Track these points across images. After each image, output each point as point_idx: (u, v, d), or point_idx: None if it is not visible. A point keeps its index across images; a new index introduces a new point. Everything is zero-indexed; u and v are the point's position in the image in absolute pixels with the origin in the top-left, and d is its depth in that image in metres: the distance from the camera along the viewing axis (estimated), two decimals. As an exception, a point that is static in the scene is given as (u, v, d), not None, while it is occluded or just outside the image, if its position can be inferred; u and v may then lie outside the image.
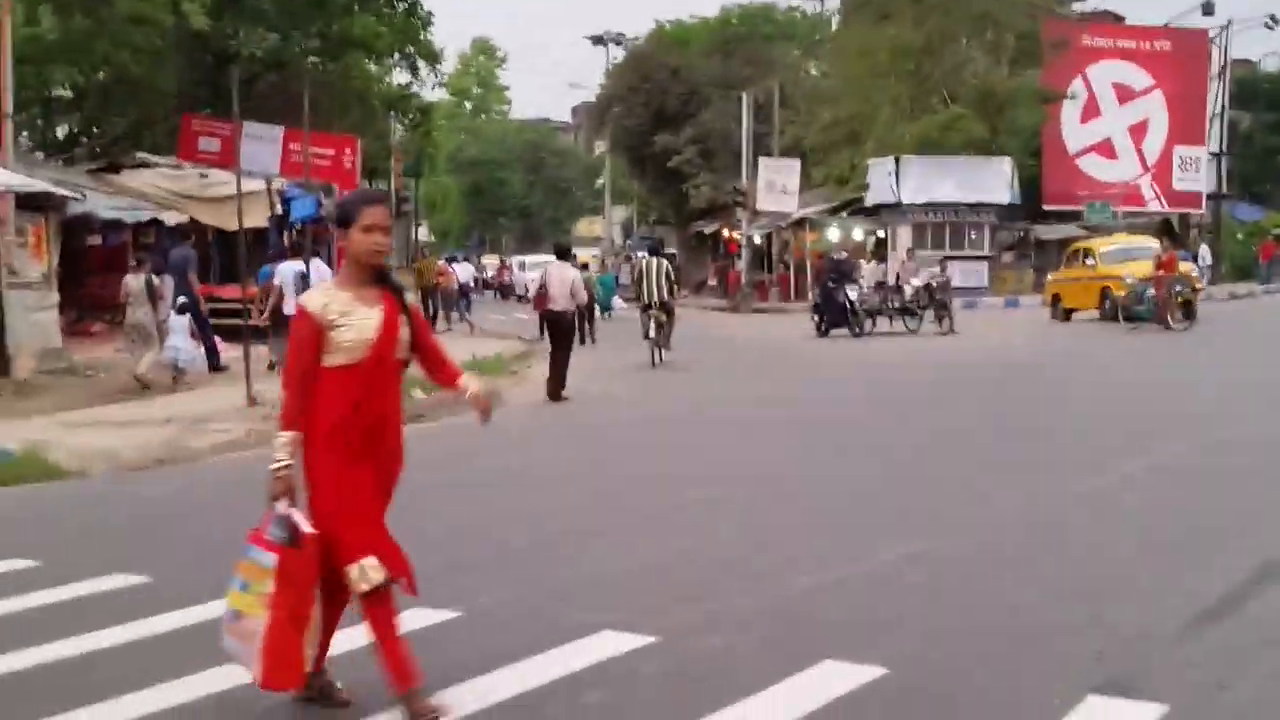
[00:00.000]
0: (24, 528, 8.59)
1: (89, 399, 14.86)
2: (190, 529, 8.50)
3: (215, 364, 17.96)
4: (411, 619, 5.83)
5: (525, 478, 10.41)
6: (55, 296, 17.95)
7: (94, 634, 5.77)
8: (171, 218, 23.00)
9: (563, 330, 15.95)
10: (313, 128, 28.57)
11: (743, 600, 6.18)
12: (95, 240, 22.70)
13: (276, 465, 4.58)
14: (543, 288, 16.25)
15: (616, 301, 35.96)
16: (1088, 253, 28.73)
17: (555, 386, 15.69)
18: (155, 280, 16.25)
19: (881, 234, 40.73)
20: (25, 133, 27.09)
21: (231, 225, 22.75)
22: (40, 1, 22.42)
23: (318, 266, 17.13)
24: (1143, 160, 43.40)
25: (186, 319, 17.23)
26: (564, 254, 17.06)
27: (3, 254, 16.95)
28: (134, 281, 16.16)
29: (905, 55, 41.48)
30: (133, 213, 22.19)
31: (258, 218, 22.71)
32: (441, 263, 32.05)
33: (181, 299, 17.13)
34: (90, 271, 22.62)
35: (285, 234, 23.75)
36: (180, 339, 16.88)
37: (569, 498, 9.35)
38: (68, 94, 28.87)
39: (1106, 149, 43.16)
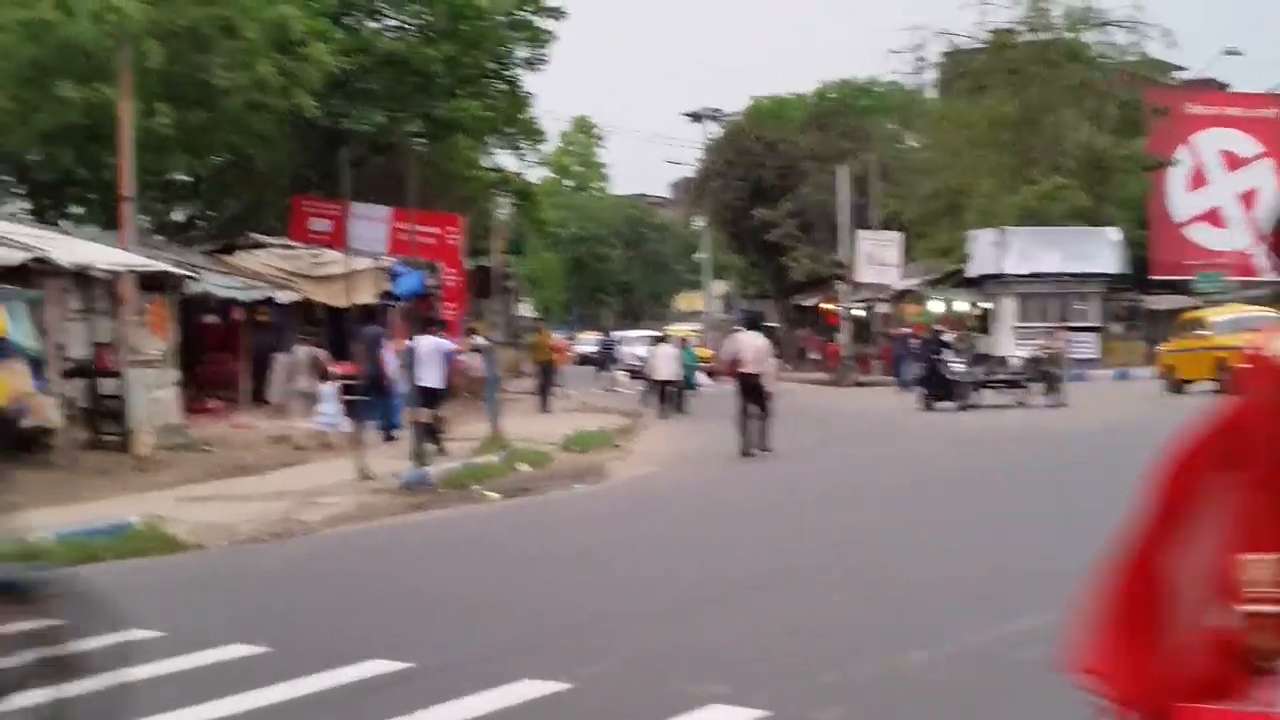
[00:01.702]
0: (147, 598, 8.80)
1: (206, 474, 15.25)
2: (305, 600, 8.67)
3: (390, 433, 18.22)
4: (522, 690, 5.90)
5: (633, 548, 10.44)
6: (175, 374, 18.51)
7: (217, 702, 5.91)
8: (284, 296, 23.64)
9: (757, 391, 17.32)
10: (418, 207, 29.32)
11: (857, 672, 6.13)
12: (212, 319, 23.41)
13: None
14: (735, 354, 17.88)
15: (699, 377, 35.78)
16: (1200, 323, 28.13)
17: (753, 441, 17.18)
18: (316, 353, 17.11)
19: (990, 305, 40.33)
20: (146, 216, 28.07)
21: (341, 302, 23.45)
22: (162, 96, 23.36)
23: (425, 340, 17.58)
24: (1255, 229, 42.54)
25: (335, 388, 17.86)
26: (754, 324, 19.41)
27: (125, 332, 17.57)
28: (300, 353, 16.99)
29: (1004, 126, 41.33)
30: (247, 292, 22.86)
31: (367, 294, 23.27)
32: (558, 337, 32.33)
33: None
34: (207, 349, 23.32)
35: (390, 310, 24.34)
36: (329, 406, 17.51)
37: (675, 566, 9.36)
38: (186, 179, 29.93)
39: (1215, 218, 42.40)
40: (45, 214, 27.48)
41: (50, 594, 5.65)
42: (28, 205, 28.50)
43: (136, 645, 7.10)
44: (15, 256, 15.16)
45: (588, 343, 52.73)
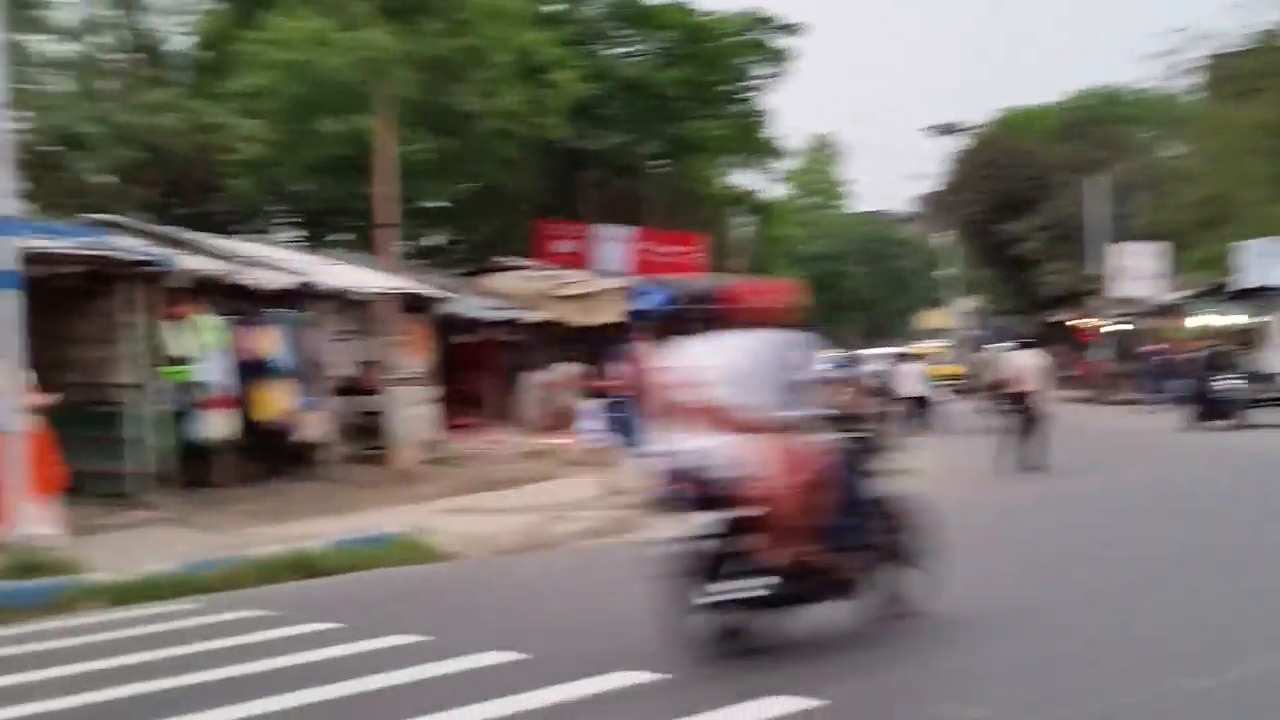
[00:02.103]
0: (411, 605, 9.15)
1: (463, 487, 15.76)
2: (560, 610, 8.81)
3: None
4: (779, 705, 5.80)
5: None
6: (433, 391, 19.24)
7: (479, 706, 6.03)
8: (532, 316, 24.28)
9: (1030, 409, 17.25)
10: (659, 226, 29.65)
11: (1129, 697, 5.78)
12: (465, 338, 24.23)
13: None
14: (1010, 373, 17.88)
15: (940, 394, 34.72)
16: None
17: (1029, 459, 17.02)
18: (577, 370, 17.68)
19: (1260, 320, 37.88)
20: (404, 241, 29.35)
21: (586, 321, 23.91)
22: (415, 125, 24.43)
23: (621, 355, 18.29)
24: None
25: (598, 404, 18.35)
26: (1029, 343, 19.50)
27: (387, 352, 18.38)
28: (565, 370, 17.53)
29: (1273, 131, 38.84)
30: (497, 312, 23.57)
31: (611, 313, 23.63)
32: None
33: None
34: (461, 368, 24.13)
35: (634, 328, 24.66)
36: (593, 422, 18.01)
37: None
38: (440, 205, 31.19)
39: None
40: (313, 241, 29.10)
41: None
42: (298, 233, 30.26)
43: (403, 649, 7.38)
44: (286, 281, 16.05)
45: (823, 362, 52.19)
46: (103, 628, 8.50)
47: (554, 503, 13.92)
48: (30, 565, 9.63)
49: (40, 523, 11.05)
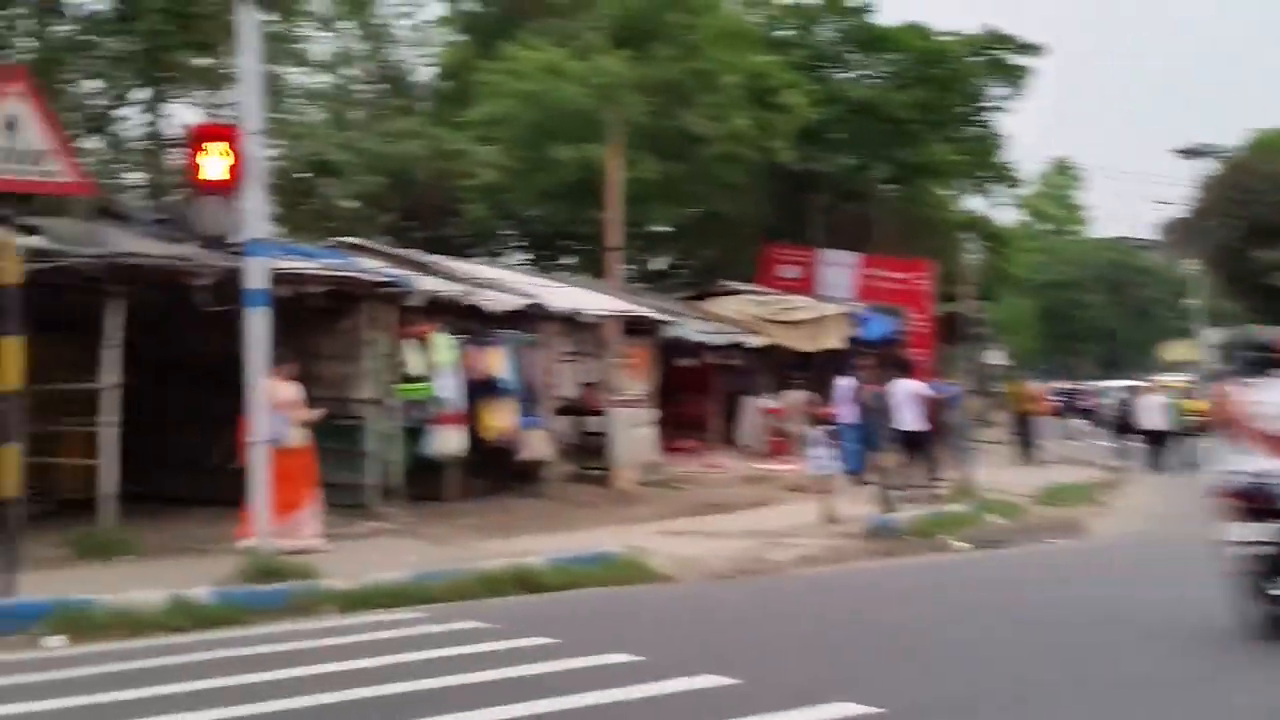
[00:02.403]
0: (627, 624, 9.22)
1: (680, 510, 15.81)
2: (775, 636, 8.72)
3: (860, 477, 18.46)
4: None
5: (1112, 608, 9.72)
6: (653, 413, 19.41)
7: (691, 729, 6.02)
8: (754, 341, 24.24)
9: None
10: (886, 252, 29.21)
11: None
12: (687, 362, 24.38)
13: None
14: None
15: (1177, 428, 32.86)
16: None
17: None
18: (806, 397, 17.72)
19: None
20: (629, 265, 29.82)
21: (809, 346, 23.72)
22: (642, 150, 24.81)
23: (844, 384, 18.43)
24: None
25: (826, 431, 18.21)
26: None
27: (610, 374, 18.66)
28: (793, 396, 17.58)
29: None
30: (719, 336, 23.63)
31: (834, 339, 23.38)
32: (1036, 387, 31.02)
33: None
34: (682, 391, 24.27)
35: (859, 355, 24.34)
36: (821, 450, 17.88)
37: (1159, 629, 8.61)
38: (665, 229, 31.54)
39: None
40: (541, 264, 29.85)
41: None
42: (527, 256, 31.10)
43: (618, 668, 7.44)
44: (515, 302, 16.49)
45: (1053, 393, 50.35)
46: (333, 632, 8.86)
47: (772, 529, 13.83)
48: (270, 570, 10.12)
49: (304, 532, 11.80)
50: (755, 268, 30.43)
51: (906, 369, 18.70)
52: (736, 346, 24.26)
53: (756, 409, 24.22)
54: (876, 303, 26.80)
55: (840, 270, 28.08)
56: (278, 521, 11.43)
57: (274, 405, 11.67)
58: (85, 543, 11.61)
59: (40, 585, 9.19)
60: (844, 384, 19.28)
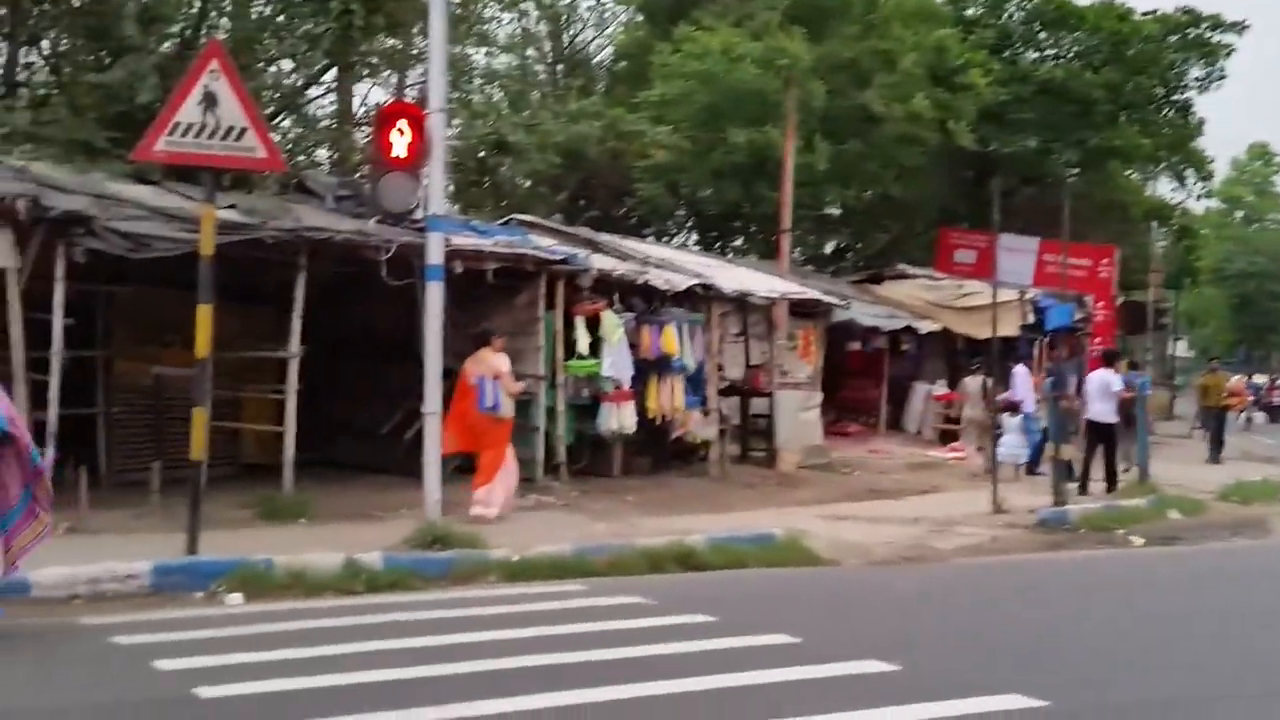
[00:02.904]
0: (786, 606, 9.18)
1: (844, 495, 15.67)
2: (937, 625, 8.58)
3: (1033, 467, 18.13)
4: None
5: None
6: (819, 396, 19.26)
7: (846, 714, 5.94)
8: (925, 326, 23.83)
9: None
10: (1068, 238, 28.23)
11: None
12: (855, 346, 24.12)
13: None
14: None
15: None
16: None
17: None
18: (988, 383, 17.51)
19: None
20: (799, 247, 29.58)
21: (982, 333, 23.15)
22: (815, 131, 24.55)
23: (1020, 372, 18.27)
24: None
25: (1020, 419, 17.91)
26: None
27: (777, 356, 18.57)
28: (971, 382, 17.37)
29: None
30: (890, 320, 23.30)
31: (1009, 327, 22.77)
32: (1235, 380, 29.70)
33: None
34: (849, 375, 24.04)
35: (1036, 343, 23.69)
36: (1012, 437, 17.65)
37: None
38: (837, 212, 31.20)
39: None
40: (711, 245, 29.85)
41: None
42: (697, 237, 31.14)
43: (775, 649, 7.41)
44: (684, 282, 16.52)
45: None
46: (496, 601, 9.05)
47: (937, 516, 13.58)
48: (438, 537, 10.39)
49: (495, 502, 12.25)
50: (929, 252, 29.86)
51: (1112, 359, 18.18)
52: (907, 331, 23.89)
53: (925, 395, 23.82)
54: (1056, 289, 25.96)
55: (1019, 256, 27.23)
56: (486, 488, 12.16)
57: (492, 375, 12.06)
58: (265, 506, 12.10)
59: (222, 545, 9.61)
60: (1020, 372, 18.84)
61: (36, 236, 11.12)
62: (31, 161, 13.51)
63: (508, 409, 12.46)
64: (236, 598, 8.80)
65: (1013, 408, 17.90)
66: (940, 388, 23.97)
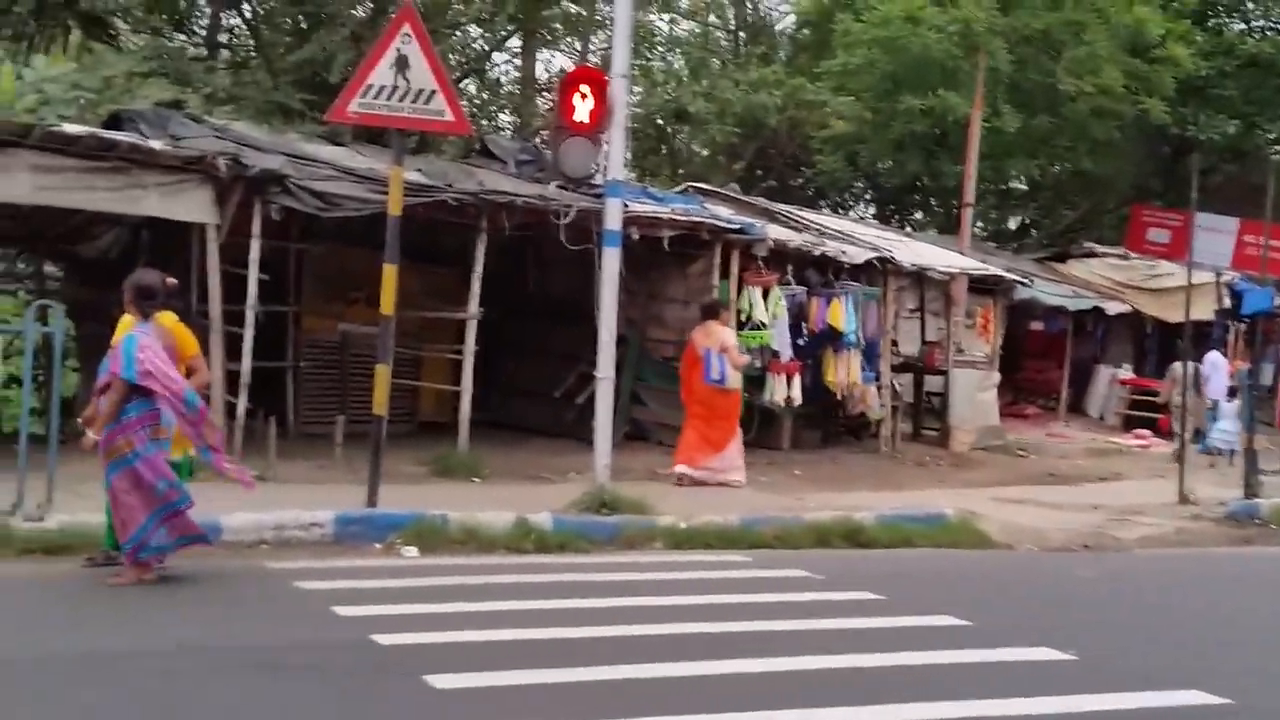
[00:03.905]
0: (955, 588, 9.00)
1: (1019, 478, 15.27)
2: (1116, 615, 8.29)
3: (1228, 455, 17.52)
4: None
5: None
6: (996, 377, 18.78)
7: (1018, 700, 5.80)
8: (1113, 307, 23.01)
9: None
10: (1273, 219, 26.83)
11: None
12: (1037, 326, 23.43)
13: None
14: None
15: None
16: None
17: None
18: (1200, 369, 17.10)
19: None
20: (980, 223, 28.82)
21: (1173, 317, 22.26)
22: (1005, 100, 23.82)
23: (1214, 359, 17.90)
24: None
25: (1234, 404, 17.31)
26: None
27: (954, 333, 18.17)
28: (1178, 368, 16.91)
29: None
30: (1075, 300, 22.55)
31: (1203, 310, 21.86)
32: None
33: None
34: (1029, 355, 23.38)
35: (1230, 328, 22.69)
36: (1227, 424, 17.10)
37: None
38: (1022, 187, 30.26)
39: None
40: (888, 218, 29.33)
41: None
42: (875, 209, 30.65)
43: (943, 630, 7.28)
44: (861, 255, 16.27)
45: None
46: (662, 567, 9.11)
47: (1119, 505, 13.11)
48: (607, 502, 10.50)
49: (728, 468, 12.50)
50: (1119, 230, 28.75)
51: None
52: (1093, 312, 23.09)
53: (1110, 378, 23.03)
54: (1255, 273, 24.75)
55: (1217, 236, 26.00)
56: (706, 458, 12.49)
57: (719, 348, 12.36)
58: (440, 463, 12.42)
59: (399, 499, 9.89)
60: (1215, 358, 18.08)
61: (235, 194, 11.57)
62: (231, 121, 14.05)
63: (734, 381, 12.66)
64: (412, 550, 9.05)
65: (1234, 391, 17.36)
66: (1125, 371, 23.13)
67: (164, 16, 18.96)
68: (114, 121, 12.85)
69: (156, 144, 11.27)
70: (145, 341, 7.40)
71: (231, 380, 11.72)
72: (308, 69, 17.57)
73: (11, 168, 10.47)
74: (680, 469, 12.57)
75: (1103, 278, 24.00)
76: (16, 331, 11.45)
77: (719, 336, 12.58)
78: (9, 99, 10.90)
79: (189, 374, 7.81)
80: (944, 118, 23.24)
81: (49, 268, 17.01)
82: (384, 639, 6.31)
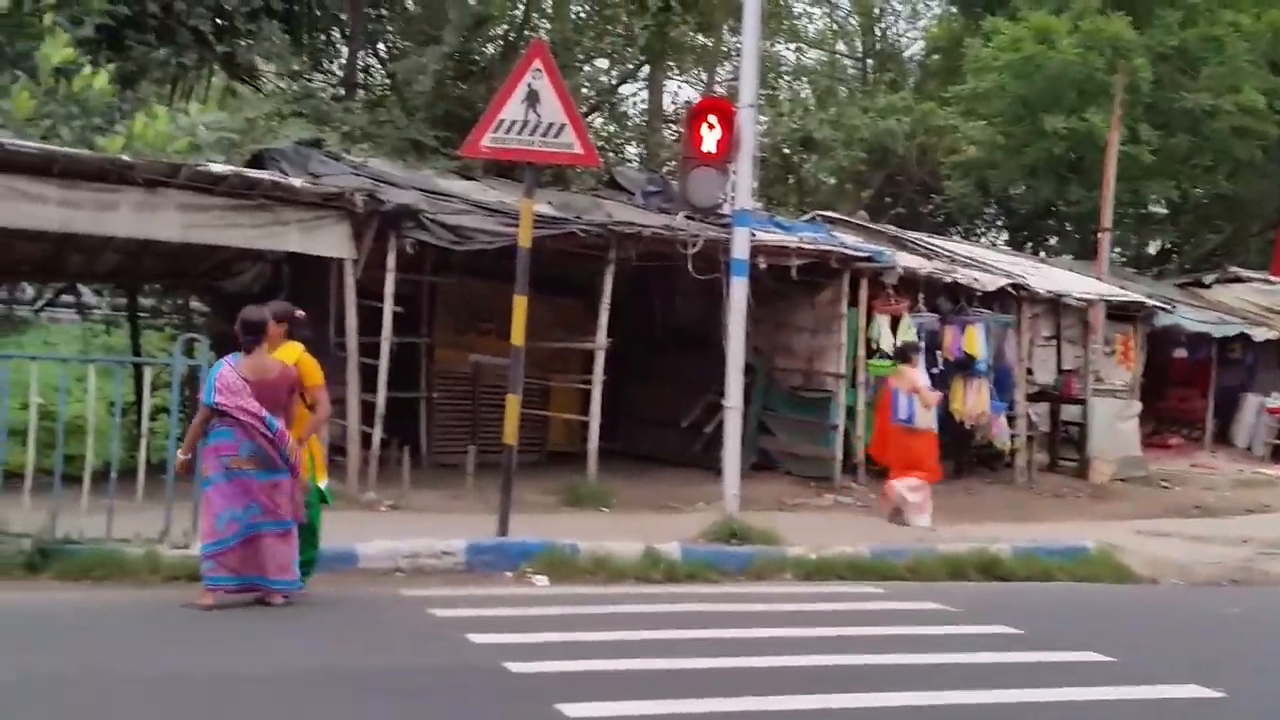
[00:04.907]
0: (1097, 622, 8.73)
1: (1162, 510, 14.79)
2: (1266, 652, 7.96)
3: None
4: None
5: None
6: (1138, 406, 18.22)
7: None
8: (1260, 334, 22.18)
9: None
10: None
11: None
12: (1180, 353, 22.69)
13: None
14: None
15: None
16: None
17: None
18: None
19: None
20: (1118, 248, 28.12)
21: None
22: (1141, 123, 23.25)
23: None
24: None
25: None
26: None
27: (1092, 361, 17.70)
28: None
29: None
30: (1220, 326, 21.79)
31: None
32: None
33: None
34: (1172, 384, 22.65)
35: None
36: None
37: None
38: (1162, 210, 29.45)
39: None
40: (1021, 244, 28.76)
41: None
42: (1005, 236, 30.09)
43: (1085, 666, 7.07)
44: (995, 282, 15.97)
45: None
46: (793, 599, 9.02)
47: (1270, 538, 12.57)
48: (736, 532, 10.44)
49: (918, 513, 12.33)
50: (1265, 254, 27.74)
51: None
52: (1239, 338, 22.28)
53: (1258, 407, 22.17)
54: None
55: (1373, 260, 25.02)
56: (914, 491, 12.41)
57: (909, 389, 12.49)
58: (569, 493, 12.50)
59: (528, 528, 9.98)
60: None
61: (371, 229, 11.85)
62: (368, 158, 14.42)
63: (923, 421, 12.64)
64: (542, 579, 9.11)
65: None
66: (1275, 400, 22.25)
67: (304, 60, 19.58)
68: (257, 160, 13.30)
69: (297, 181, 11.60)
70: (226, 370, 7.60)
71: (367, 411, 11.98)
72: (440, 106, 17.98)
73: (161, 207, 10.88)
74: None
75: (1248, 303, 23.16)
76: (165, 364, 11.84)
77: (909, 378, 12.69)
78: (163, 142, 11.33)
79: (311, 406, 7.96)
80: (1082, 140, 22.75)
81: (195, 303, 17.64)
82: (516, 666, 6.35)
